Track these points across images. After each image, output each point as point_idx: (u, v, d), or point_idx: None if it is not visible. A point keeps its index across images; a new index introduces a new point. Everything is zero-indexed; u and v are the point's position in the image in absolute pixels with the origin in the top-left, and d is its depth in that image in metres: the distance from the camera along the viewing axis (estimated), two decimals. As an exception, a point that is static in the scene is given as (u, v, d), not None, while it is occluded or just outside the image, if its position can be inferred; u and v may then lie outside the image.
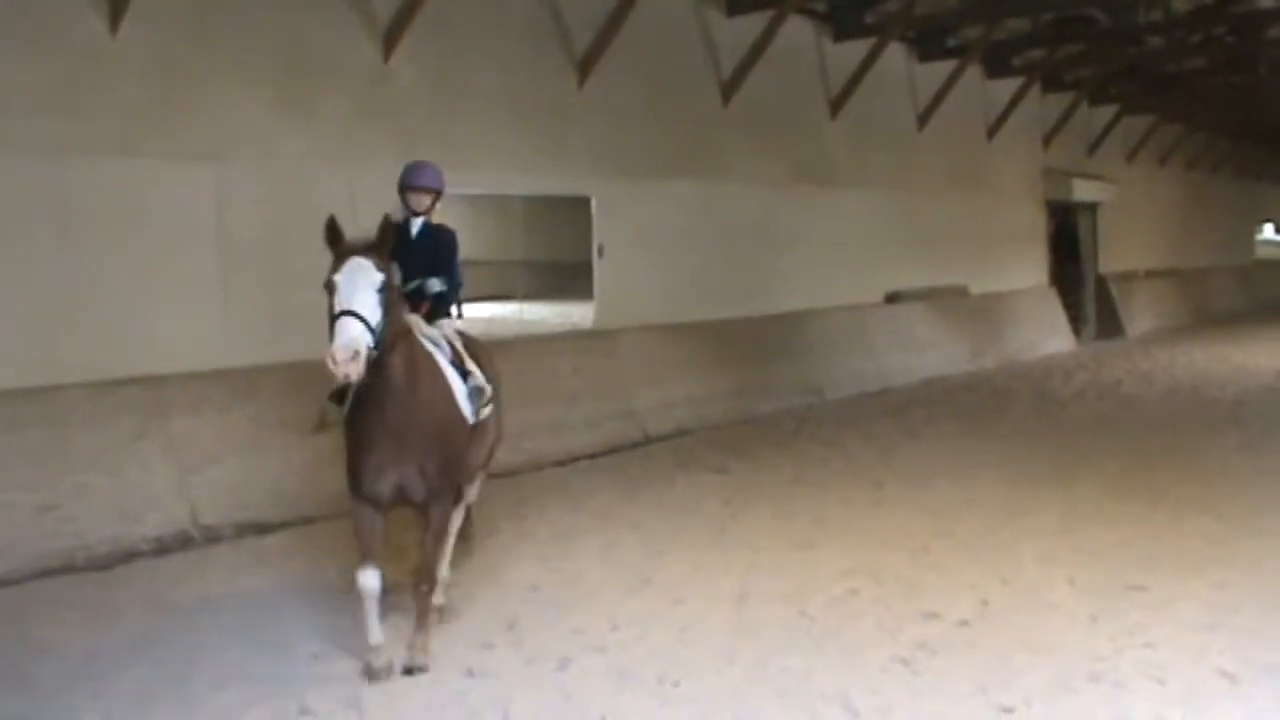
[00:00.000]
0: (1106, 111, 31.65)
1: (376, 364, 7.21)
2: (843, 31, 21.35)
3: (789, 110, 20.46)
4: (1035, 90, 27.83)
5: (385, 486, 7.62)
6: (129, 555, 10.58)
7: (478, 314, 20.68)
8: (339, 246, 7.38)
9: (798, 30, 20.19)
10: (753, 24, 18.74)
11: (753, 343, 19.00)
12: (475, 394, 8.25)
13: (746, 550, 10.63)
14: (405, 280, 8.36)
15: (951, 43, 23.94)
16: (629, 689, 7.45)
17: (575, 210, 18.03)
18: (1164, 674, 7.47)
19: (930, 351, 23.41)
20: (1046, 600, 9.04)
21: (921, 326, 23.65)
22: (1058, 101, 29.24)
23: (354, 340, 6.95)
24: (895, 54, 22.74)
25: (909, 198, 23.81)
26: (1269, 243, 50.22)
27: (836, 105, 21.57)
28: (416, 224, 8.66)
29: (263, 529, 11.49)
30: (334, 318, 7.11)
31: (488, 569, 9.90)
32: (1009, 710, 7.00)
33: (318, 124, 13.28)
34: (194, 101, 12.21)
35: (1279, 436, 15.84)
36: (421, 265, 8.55)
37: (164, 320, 11.95)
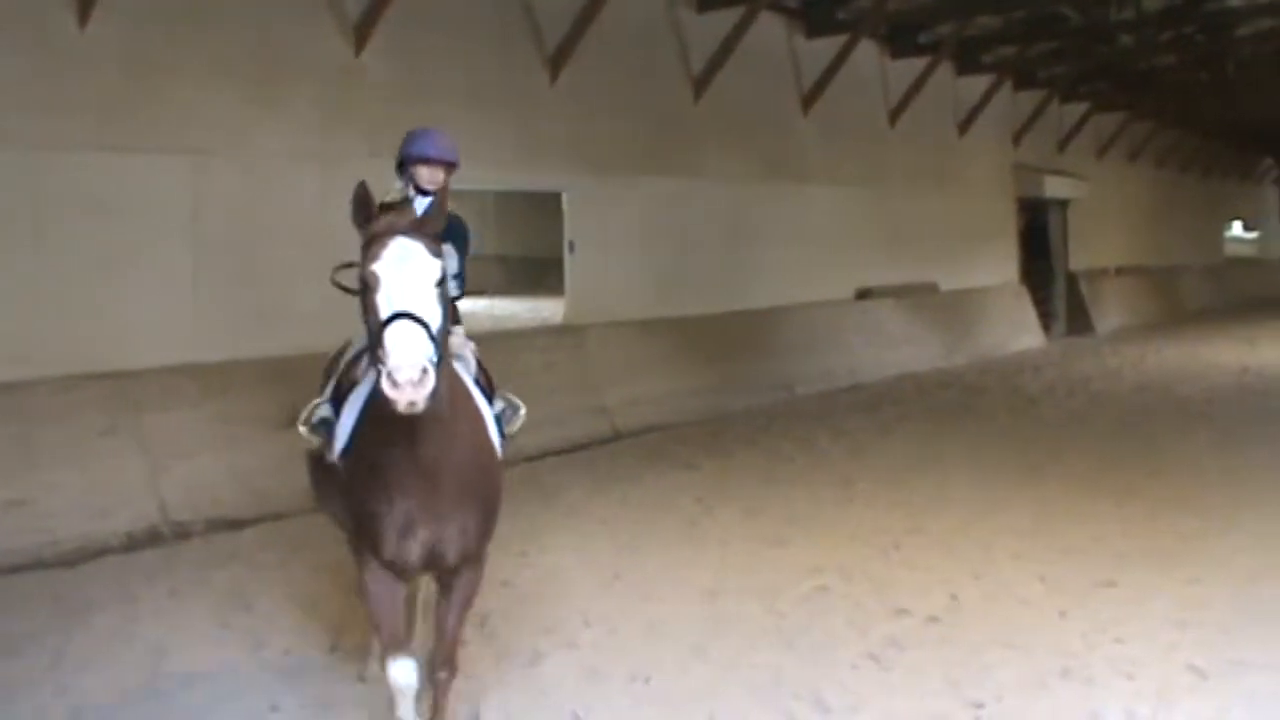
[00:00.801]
0: (1077, 108, 31.75)
1: None
2: (814, 28, 21.37)
3: (760, 107, 20.47)
4: (1006, 87, 27.90)
5: (415, 548, 5.87)
6: (99, 551, 10.52)
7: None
8: (375, 224, 5.60)
9: (769, 26, 20.18)
10: (723, 20, 18.74)
11: (724, 339, 19.00)
12: (510, 414, 6.59)
13: (717, 547, 10.64)
14: None
15: (923, 39, 23.98)
16: (600, 686, 7.45)
17: (547, 206, 18.04)
18: (1134, 669, 7.50)
19: (901, 348, 23.46)
20: (1017, 596, 9.06)
21: (892, 323, 23.70)
22: (1029, 98, 29.32)
23: (422, 354, 5.16)
24: (867, 51, 22.75)
25: (880, 194, 23.86)
26: (1238, 240, 50.46)
27: (808, 102, 21.60)
28: (422, 205, 6.54)
29: (234, 525, 11.43)
30: (383, 323, 5.28)
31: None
32: (980, 706, 7.02)
33: (289, 118, 13.25)
34: (165, 96, 12.15)
35: (1249, 433, 15.92)
36: None
37: (136, 315, 11.90)
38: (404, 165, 6.82)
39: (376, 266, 5.37)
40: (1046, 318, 30.52)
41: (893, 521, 11.40)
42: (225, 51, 12.68)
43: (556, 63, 16.37)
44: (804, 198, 21.58)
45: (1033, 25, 24.10)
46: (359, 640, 7.88)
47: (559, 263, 17.33)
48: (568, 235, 16.99)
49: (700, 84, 18.95)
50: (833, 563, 9.99)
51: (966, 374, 23.20)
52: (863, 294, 23.44)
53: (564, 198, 16.95)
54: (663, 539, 10.90)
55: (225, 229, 12.62)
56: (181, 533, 11.17)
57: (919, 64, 24.03)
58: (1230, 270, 46.20)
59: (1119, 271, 34.92)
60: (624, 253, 17.63)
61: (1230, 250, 48.79)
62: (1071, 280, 32.06)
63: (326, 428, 6.31)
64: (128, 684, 7.53)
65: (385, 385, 5.12)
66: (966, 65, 26.30)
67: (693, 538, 11.01)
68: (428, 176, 6.73)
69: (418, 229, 5.55)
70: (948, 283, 26.34)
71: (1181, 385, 21.07)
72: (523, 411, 6.64)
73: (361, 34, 13.85)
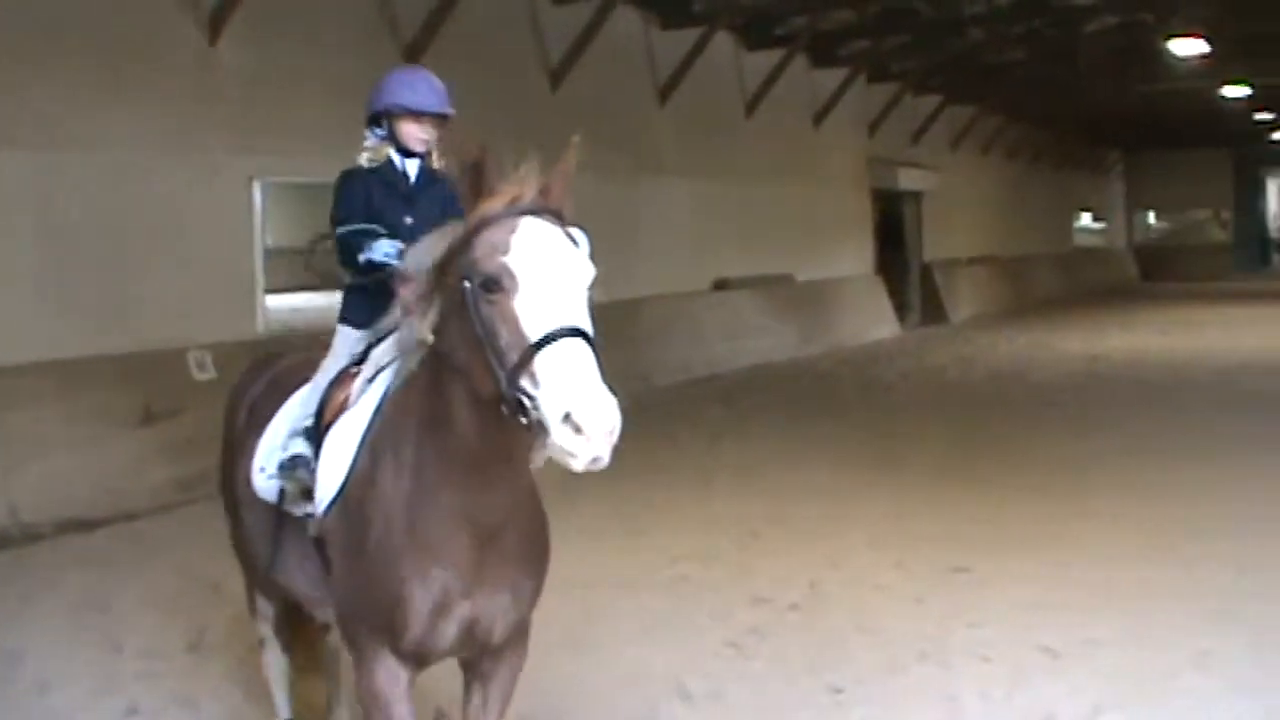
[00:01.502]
0: (930, 101, 32.15)
1: (494, 412, 4.00)
2: (670, 20, 21.46)
3: (617, 98, 20.49)
4: (861, 80, 28.19)
5: (450, 630, 4.44)
6: (-54, 554, 10.32)
7: (287, 303, 20.07)
8: (497, 199, 4.23)
9: (625, 18, 20.21)
10: (580, 12, 18.74)
11: (583, 330, 18.95)
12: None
13: (579, 537, 10.61)
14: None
15: (779, 32, 24.14)
16: (464, 679, 7.41)
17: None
18: (989, 652, 7.62)
19: (757, 338, 23.64)
20: (875, 583, 9.17)
21: (749, 314, 23.87)
22: (883, 91, 29.65)
23: (607, 389, 3.84)
24: (723, 43, 22.88)
25: (737, 186, 23.98)
26: (1086, 231, 51.42)
27: (664, 93, 21.68)
28: (413, 167, 5.49)
29: (86, 526, 11.23)
30: (536, 344, 3.80)
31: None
32: (839, 691, 7.09)
33: (143, 110, 12.99)
34: (11, 89, 11.86)
35: (1099, 419, 16.25)
36: (425, 230, 4.80)
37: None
38: (384, 118, 5.49)
39: (510, 260, 3.93)
40: (901, 308, 30.94)
41: (751, 511, 11.49)
42: (75, 42, 12.40)
43: (414, 54, 16.25)
44: (661, 189, 21.65)
45: (886, 19, 24.37)
46: (220, 638, 7.79)
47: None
48: (425, 228, 16.86)
49: (557, 76, 18.94)
50: (693, 552, 10.04)
51: (822, 363, 23.46)
52: (719, 285, 23.57)
53: (421, 190, 16.82)
54: (524, 531, 10.87)
55: (77, 224, 12.34)
56: (32, 534, 10.94)
57: (775, 56, 24.20)
58: (1080, 260, 47.07)
59: (972, 262, 35.43)
60: (483, 245, 17.51)
61: (1079, 241, 49.72)
62: (926, 270, 32.54)
63: (303, 470, 4.76)
64: (-20, 689, 7.38)
65: (564, 437, 3.78)
66: (821, 58, 26.53)
67: (555, 529, 10.97)
68: (414, 133, 5.43)
69: (545, 206, 4.20)
70: (804, 273, 26.56)
71: (1033, 373, 21.48)
72: None
73: (217, 24, 13.63)
